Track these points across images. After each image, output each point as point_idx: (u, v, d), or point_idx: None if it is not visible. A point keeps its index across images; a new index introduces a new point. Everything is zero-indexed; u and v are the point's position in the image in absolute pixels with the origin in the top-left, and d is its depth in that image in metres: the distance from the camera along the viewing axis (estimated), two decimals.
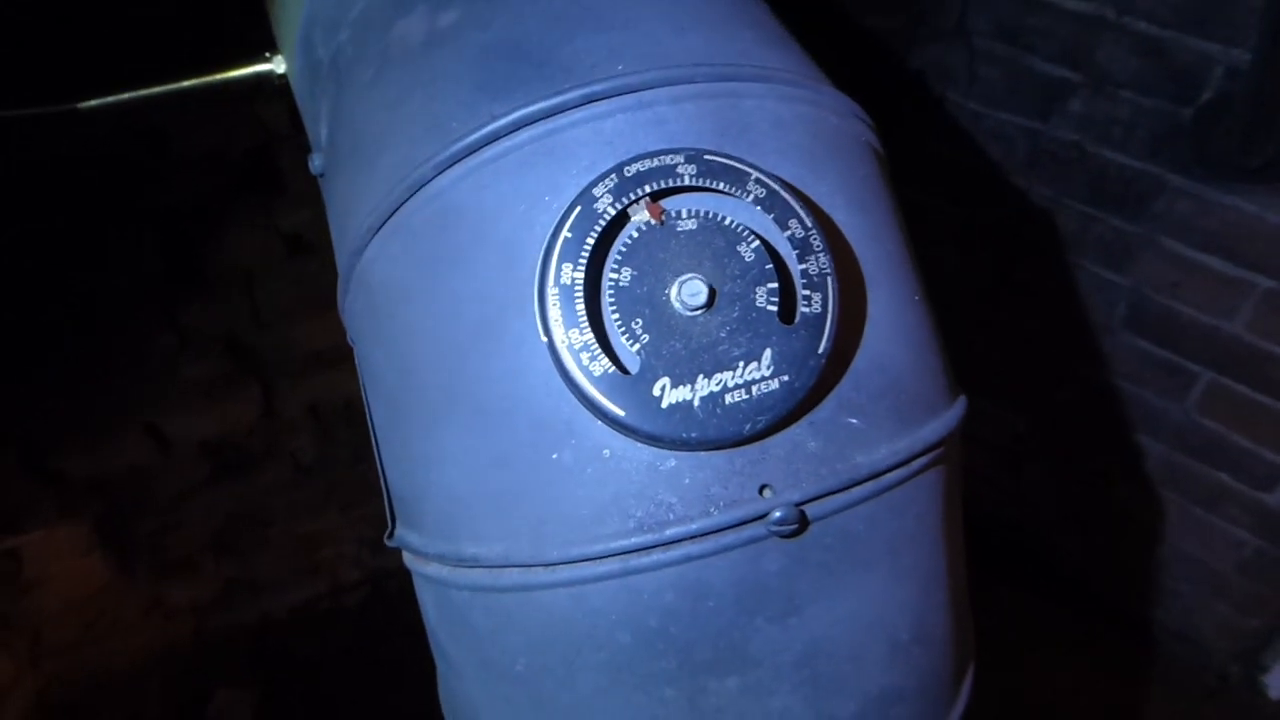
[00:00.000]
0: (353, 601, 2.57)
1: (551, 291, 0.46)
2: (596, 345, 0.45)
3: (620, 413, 0.45)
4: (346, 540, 2.50)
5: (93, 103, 0.73)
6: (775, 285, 0.47)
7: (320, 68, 0.65)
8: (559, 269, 0.46)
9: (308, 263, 1.89)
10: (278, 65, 0.78)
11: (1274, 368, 1.69)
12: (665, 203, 0.47)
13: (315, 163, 0.66)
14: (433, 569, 0.54)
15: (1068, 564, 2.32)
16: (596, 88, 0.50)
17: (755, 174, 0.47)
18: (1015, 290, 2.00)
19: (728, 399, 0.46)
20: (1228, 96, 1.51)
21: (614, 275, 0.46)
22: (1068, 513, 2.26)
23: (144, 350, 1.85)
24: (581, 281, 0.46)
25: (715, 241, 0.47)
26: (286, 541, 2.40)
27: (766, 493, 0.48)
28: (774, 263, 0.47)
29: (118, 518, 2.09)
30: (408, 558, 0.58)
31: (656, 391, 0.45)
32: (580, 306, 0.45)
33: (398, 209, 0.52)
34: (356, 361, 0.62)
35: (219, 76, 0.78)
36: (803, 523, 0.48)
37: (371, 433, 0.61)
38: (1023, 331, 2.05)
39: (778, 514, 0.47)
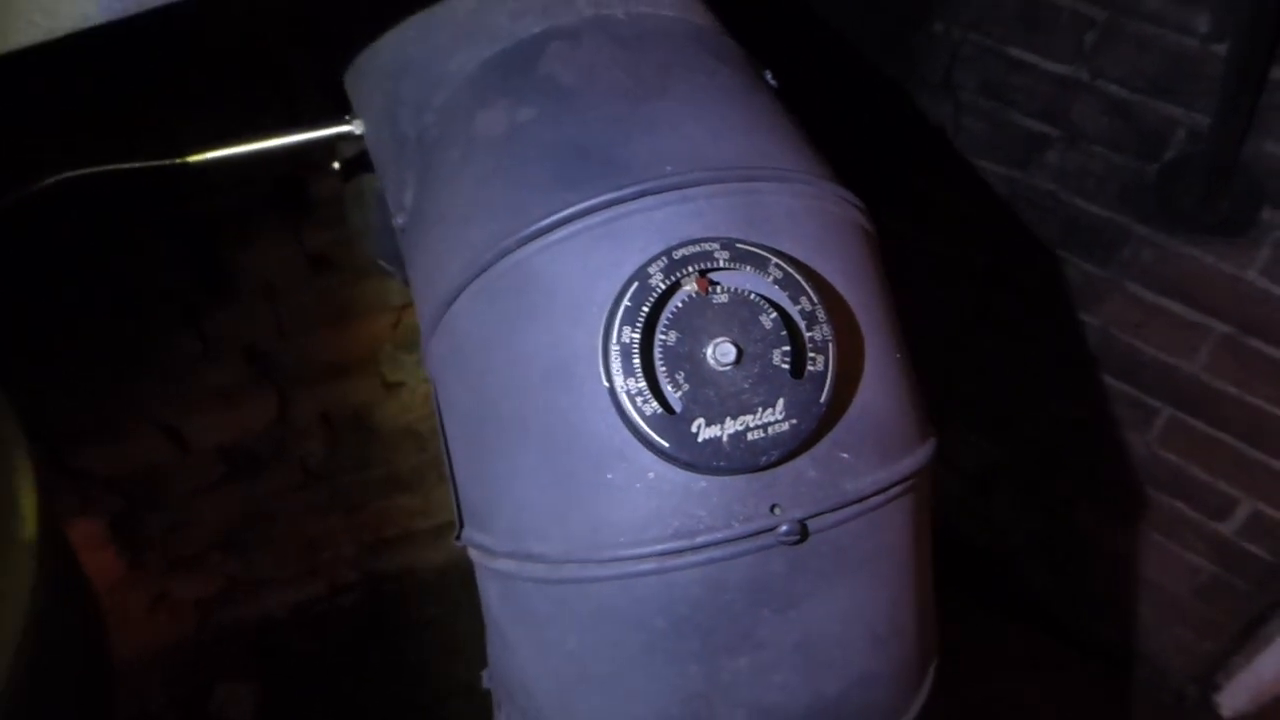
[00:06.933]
0: (349, 602, 2.63)
1: (614, 348, 0.58)
2: (648, 391, 0.58)
3: (665, 444, 0.58)
4: (347, 543, 2.57)
5: (199, 157, 0.85)
6: (788, 348, 0.59)
7: (407, 142, 0.78)
8: (620, 330, 0.58)
9: (329, 279, 1.97)
10: (356, 127, 0.90)
11: (1228, 406, 1.78)
12: None
13: (399, 220, 0.78)
14: (501, 564, 0.66)
15: (1035, 587, 2.38)
16: (650, 185, 0.62)
17: (774, 259, 0.60)
18: (993, 326, 2.07)
19: (749, 436, 0.58)
20: (1189, 157, 1.59)
21: (663, 336, 0.59)
22: (1035, 538, 2.33)
23: (169, 355, 1.91)
24: (637, 341, 0.58)
25: (742, 312, 0.59)
26: (290, 542, 2.46)
27: (776, 510, 0.60)
28: (788, 330, 0.60)
29: (133, 515, 2.14)
30: (475, 554, 0.70)
31: (694, 429, 0.58)
32: (636, 360, 0.58)
33: (483, 271, 0.65)
34: (434, 394, 0.74)
35: (305, 136, 0.90)
36: (804, 534, 0.60)
37: (445, 452, 0.73)
38: (999, 364, 2.12)
39: (784, 528, 0.59)
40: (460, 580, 2.65)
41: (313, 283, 1.96)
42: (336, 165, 1.14)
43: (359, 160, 1.08)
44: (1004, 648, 2.35)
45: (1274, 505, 1.84)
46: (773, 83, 0.80)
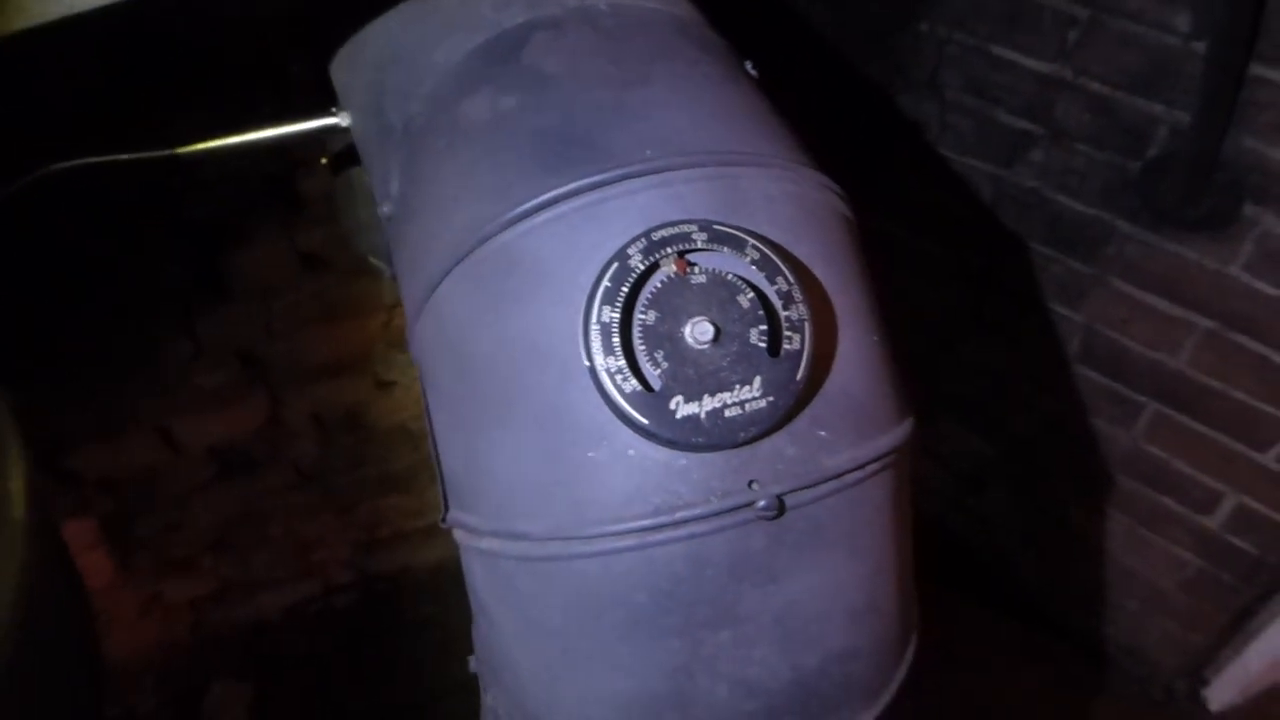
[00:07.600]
0: (343, 603, 2.63)
1: (594, 327, 0.59)
2: (628, 369, 0.59)
3: (645, 422, 0.59)
4: (340, 543, 2.57)
5: (188, 149, 0.86)
6: (765, 327, 0.61)
7: (392, 131, 0.79)
8: (600, 310, 0.60)
9: (320, 279, 1.98)
10: (343, 119, 0.92)
11: (1212, 400, 1.79)
12: None
13: (385, 209, 0.79)
14: (486, 543, 0.67)
15: (1026, 582, 2.40)
16: (631, 169, 0.64)
17: (751, 240, 0.62)
18: (981, 323, 2.10)
19: (727, 413, 0.60)
20: (1171, 154, 1.61)
21: (642, 316, 0.60)
22: (1026, 534, 2.34)
23: (161, 355, 1.93)
24: (617, 320, 0.59)
25: (720, 292, 0.61)
26: (283, 543, 2.47)
27: (754, 486, 0.61)
28: (765, 309, 0.61)
29: (124, 516, 2.15)
30: (460, 534, 0.71)
31: (673, 406, 0.59)
32: (616, 339, 0.59)
33: (468, 255, 0.66)
34: (421, 378, 0.75)
35: (292, 129, 0.91)
36: (781, 510, 0.62)
37: (430, 434, 0.74)
38: (987, 362, 2.14)
39: (762, 503, 0.61)
40: (454, 579, 2.63)
41: (304, 282, 1.97)
42: (324, 160, 1.15)
43: (347, 154, 1.09)
44: (996, 644, 2.37)
45: (1258, 498, 1.86)
46: (753, 73, 0.81)
